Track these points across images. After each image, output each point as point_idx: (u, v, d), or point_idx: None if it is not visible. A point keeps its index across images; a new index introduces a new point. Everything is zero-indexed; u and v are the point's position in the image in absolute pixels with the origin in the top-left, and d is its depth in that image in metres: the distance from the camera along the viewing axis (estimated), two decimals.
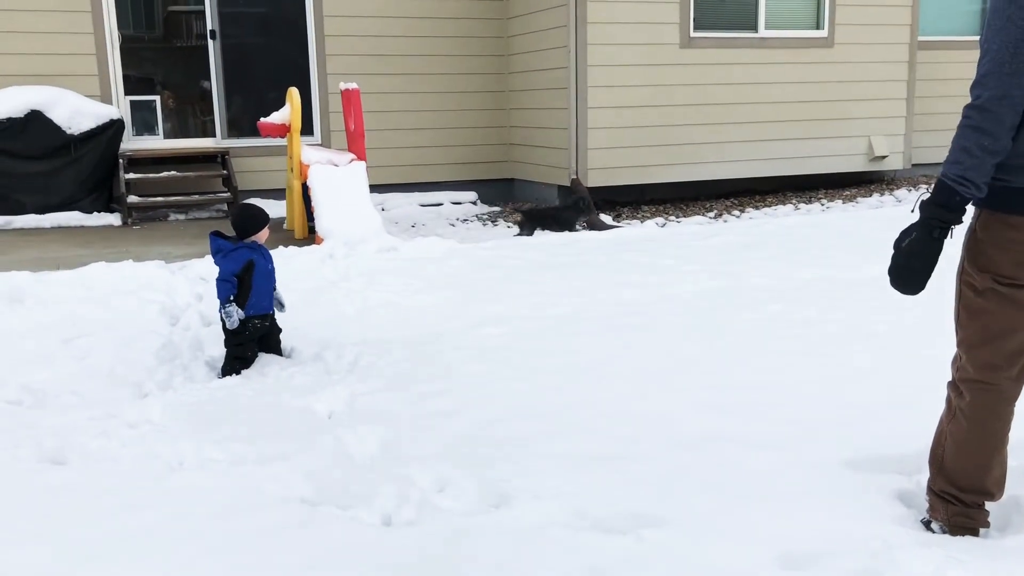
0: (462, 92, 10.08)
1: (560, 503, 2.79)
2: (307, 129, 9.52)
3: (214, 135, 9.63)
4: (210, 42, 9.44)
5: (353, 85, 7.87)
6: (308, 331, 4.99)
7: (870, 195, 9.72)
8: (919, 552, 2.41)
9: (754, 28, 9.21)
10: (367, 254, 6.68)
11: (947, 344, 4.16)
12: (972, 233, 2.44)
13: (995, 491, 2.53)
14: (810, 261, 6.38)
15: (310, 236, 7.58)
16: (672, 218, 8.76)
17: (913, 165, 10.47)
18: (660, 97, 8.96)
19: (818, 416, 3.46)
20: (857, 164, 9.94)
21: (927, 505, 2.63)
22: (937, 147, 10.81)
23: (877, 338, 4.46)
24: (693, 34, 8.97)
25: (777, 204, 9.33)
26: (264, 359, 4.57)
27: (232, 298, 4.34)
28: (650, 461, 3.10)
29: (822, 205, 9.26)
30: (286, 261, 6.42)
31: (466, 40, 10.00)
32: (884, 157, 9.90)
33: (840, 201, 9.45)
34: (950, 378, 2.59)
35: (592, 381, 4.02)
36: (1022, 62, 2.19)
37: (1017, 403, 2.54)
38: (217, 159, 9.45)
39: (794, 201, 9.44)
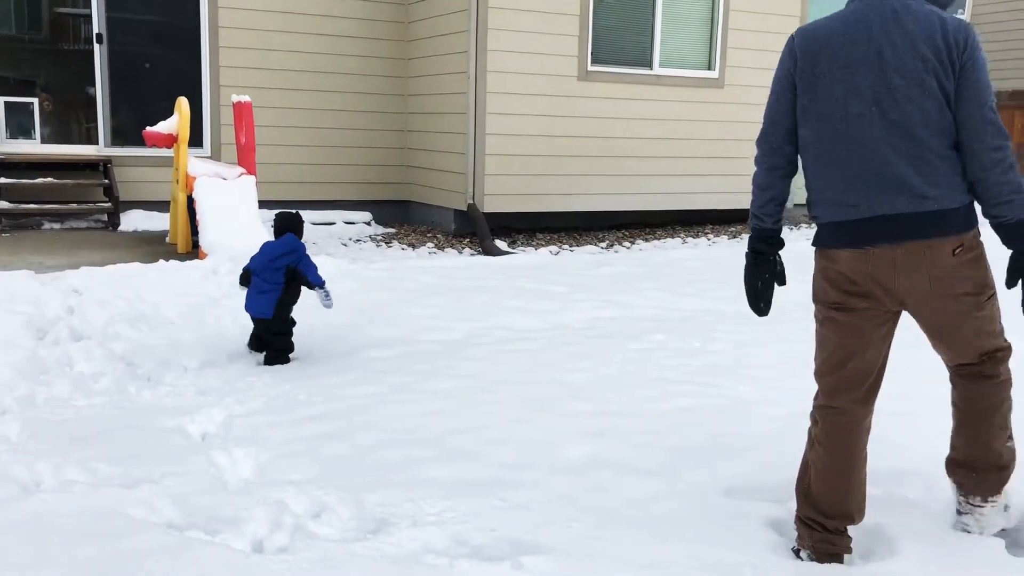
0: (359, 111, 9.97)
1: (439, 529, 2.74)
2: (197, 141, 9.22)
3: (97, 142, 9.23)
4: (96, 46, 9.06)
5: (245, 98, 7.68)
6: (187, 349, 4.81)
7: None
8: None
9: (649, 65, 9.45)
10: None
11: None
12: (813, 270, 2.66)
13: (855, 515, 2.62)
14: (695, 293, 6.54)
15: (193, 251, 7.32)
16: (566, 247, 8.86)
17: (795, 205, 10.90)
18: (557, 127, 9.08)
19: (697, 444, 3.52)
20: (743, 202, 10.26)
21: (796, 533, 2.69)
22: None
23: (756, 369, 4.58)
24: (590, 68, 9.14)
25: (666, 237, 9.55)
26: (131, 373, 4.38)
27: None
28: (532, 487, 3.09)
29: (708, 240, 9.53)
30: (167, 276, 6.19)
31: (365, 60, 9.92)
32: None
33: (726, 236, 9.75)
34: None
35: (479, 406, 3.98)
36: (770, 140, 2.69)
37: (875, 432, 2.65)
38: (99, 167, 9.05)
39: (682, 235, 9.69)
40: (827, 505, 2.59)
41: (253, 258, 4.86)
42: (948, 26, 2.40)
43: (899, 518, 2.81)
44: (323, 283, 4.83)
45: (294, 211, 5.03)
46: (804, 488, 2.65)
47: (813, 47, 2.52)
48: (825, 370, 2.65)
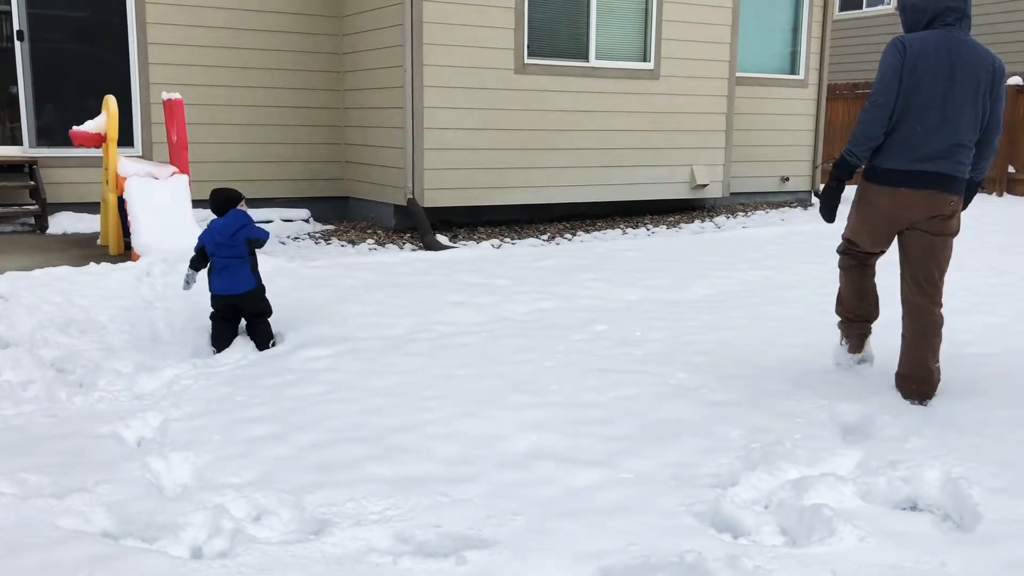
0: (296, 107, 9.83)
1: (382, 528, 2.72)
2: (127, 140, 9.00)
3: (21, 143, 8.94)
4: (17, 44, 8.77)
5: (176, 95, 7.51)
6: (121, 353, 4.69)
7: (692, 221, 10.19)
8: (733, 563, 2.50)
9: (585, 57, 9.49)
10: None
11: (759, 364, 4.39)
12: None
13: (870, 313, 4.12)
14: (636, 283, 6.59)
15: (126, 252, 7.14)
16: (507, 240, 8.86)
17: (731, 194, 11.07)
18: (496, 121, 9.07)
19: (639, 432, 3.54)
20: (680, 192, 10.40)
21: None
22: (753, 177, 11.49)
23: (696, 356, 4.64)
24: (527, 60, 9.14)
25: (606, 228, 9.62)
26: (62, 380, 4.26)
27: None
28: (475, 481, 3.08)
29: (648, 230, 9.62)
30: (99, 279, 6.03)
31: (300, 55, 9.78)
32: (705, 186, 10.41)
33: (664, 227, 9.85)
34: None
35: (421, 402, 3.96)
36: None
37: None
38: (24, 169, 8.77)
39: (622, 226, 9.76)
40: (851, 309, 4.13)
41: (204, 239, 4.92)
42: (996, 62, 3.71)
43: (836, 498, 2.87)
44: (267, 235, 5.05)
45: (230, 187, 5.12)
46: (839, 301, 4.19)
47: (915, 50, 3.66)
48: (853, 238, 4.03)
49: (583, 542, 2.65)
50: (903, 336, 3.90)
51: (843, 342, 4.23)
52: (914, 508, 2.88)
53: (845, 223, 4.08)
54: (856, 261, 4.07)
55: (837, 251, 4.14)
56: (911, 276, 3.84)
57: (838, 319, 4.24)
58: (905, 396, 3.85)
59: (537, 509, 2.85)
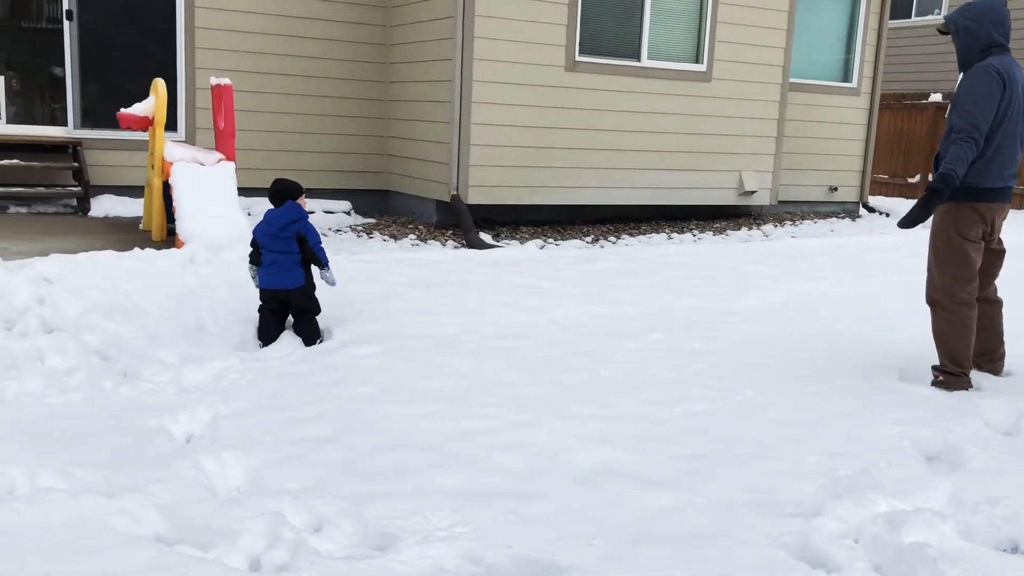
0: (341, 98, 9.71)
1: (450, 546, 2.56)
2: (171, 125, 8.89)
3: (66, 124, 8.88)
4: (66, 23, 8.72)
5: (226, 81, 7.40)
6: (166, 343, 4.59)
7: (739, 228, 9.97)
8: None
9: (637, 57, 9.29)
10: (231, 261, 6.23)
11: (827, 383, 4.18)
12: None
13: (970, 365, 4.24)
14: (687, 290, 6.41)
15: (169, 238, 7.05)
16: (551, 241, 8.68)
17: (780, 202, 10.83)
18: (544, 118, 8.89)
19: (710, 451, 3.37)
20: (727, 198, 10.17)
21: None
22: (800, 185, 11.24)
23: (760, 370, 4.45)
24: (578, 58, 8.96)
25: (651, 232, 9.42)
26: (107, 368, 4.15)
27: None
28: (544, 498, 2.92)
29: (694, 236, 9.42)
30: (144, 265, 5.92)
31: (346, 44, 9.66)
32: (753, 192, 10.18)
33: (711, 233, 9.64)
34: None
35: (475, 407, 3.81)
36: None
37: None
38: (68, 150, 8.71)
39: (667, 230, 9.56)
40: (964, 358, 4.17)
41: (257, 230, 4.81)
42: None
43: (936, 536, 2.68)
44: (328, 262, 4.82)
45: (290, 179, 4.99)
46: (956, 361, 4.17)
47: (1005, 76, 3.92)
48: (970, 277, 4.16)
49: (659, 571, 2.48)
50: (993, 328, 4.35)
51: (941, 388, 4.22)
52: (1015, 550, 2.68)
53: (936, 277, 4.19)
54: (971, 302, 4.16)
55: (956, 302, 4.15)
56: (989, 281, 4.32)
57: (944, 376, 4.22)
58: (984, 370, 4.34)
59: (613, 532, 2.69)
